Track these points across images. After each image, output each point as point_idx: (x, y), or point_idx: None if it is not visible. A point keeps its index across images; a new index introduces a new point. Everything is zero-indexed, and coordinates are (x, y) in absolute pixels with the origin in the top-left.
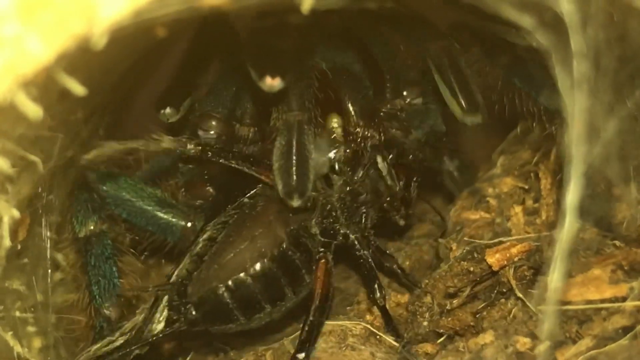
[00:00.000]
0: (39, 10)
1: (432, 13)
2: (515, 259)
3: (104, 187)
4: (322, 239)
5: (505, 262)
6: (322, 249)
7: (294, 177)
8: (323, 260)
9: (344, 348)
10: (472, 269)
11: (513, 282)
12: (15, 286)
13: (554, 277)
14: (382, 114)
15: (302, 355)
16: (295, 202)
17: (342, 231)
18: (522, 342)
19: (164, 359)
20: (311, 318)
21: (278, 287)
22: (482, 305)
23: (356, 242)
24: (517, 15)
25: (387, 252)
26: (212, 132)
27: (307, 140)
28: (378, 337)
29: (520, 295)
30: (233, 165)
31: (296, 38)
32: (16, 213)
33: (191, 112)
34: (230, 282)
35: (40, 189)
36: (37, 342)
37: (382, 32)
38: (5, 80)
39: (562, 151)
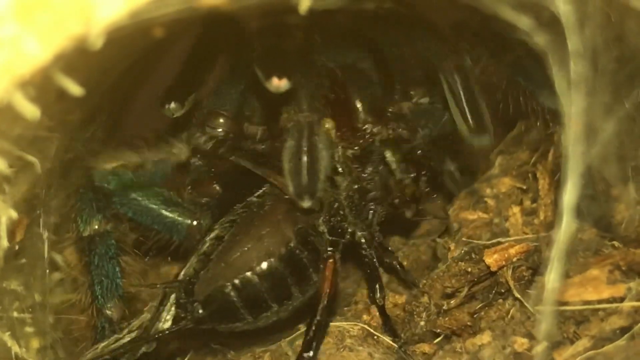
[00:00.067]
0: (36, 11)
1: (432, 13)
2: (514, 260)
3: (110, 186)
4: (330, 238)
5: (504, 263)
6: (330, 248)
7: (305, 178)
8: (331, 260)
9: (341, 349)
10: (470, 269)
11: (511, 283)
12: (13, 286)
13: (552, 278)
14: (389, 113)
15: (309, 354)
16: (306, 203)
17: (349, 230)
18: (520, 343)
19: (162, 359)
20: (318, 317)
21: (285, 286)
22: (480, 305)
23: (363, 241)
24: (514, 16)
25: (389, 248)
26: (219, 130)
27: (317, 141)
28: (376, 337)
29: (518, 295)
30: (242, 164)
31: (302, 39)
32: (14, 213)
33: (196, 107)
34: (237, 281)
35: (38, 190)
36: (35, 343)
37: (387, 32)
38: (2, 80)
39: (560, 151)
